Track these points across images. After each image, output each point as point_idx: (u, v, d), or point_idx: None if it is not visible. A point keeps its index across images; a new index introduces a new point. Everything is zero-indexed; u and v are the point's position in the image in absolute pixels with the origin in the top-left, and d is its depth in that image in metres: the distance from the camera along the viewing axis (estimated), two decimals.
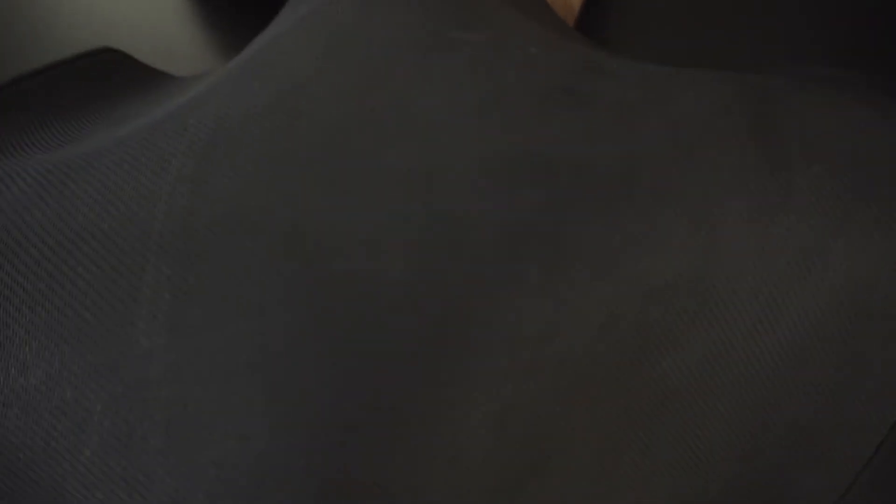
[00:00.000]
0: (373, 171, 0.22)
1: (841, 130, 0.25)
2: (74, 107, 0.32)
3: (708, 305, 0.23)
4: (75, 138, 0.28)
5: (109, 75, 0.35)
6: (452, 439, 0.21)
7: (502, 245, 0.22)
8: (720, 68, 0.28)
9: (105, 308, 0.21)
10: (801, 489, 0.25)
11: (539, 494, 0.22)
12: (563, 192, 0.22)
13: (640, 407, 0.23)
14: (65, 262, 0.22)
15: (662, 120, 0.24)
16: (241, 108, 0.24)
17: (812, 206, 0.24)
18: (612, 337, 0.22)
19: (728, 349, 0.23)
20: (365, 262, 0.21)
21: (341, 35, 0.26)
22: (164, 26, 0.49)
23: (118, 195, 0.23)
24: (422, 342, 0.21)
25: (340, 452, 0.20)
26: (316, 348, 0.20)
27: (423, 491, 0.20)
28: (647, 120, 0.24)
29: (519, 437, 0.22)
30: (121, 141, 0.25)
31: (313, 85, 0.24)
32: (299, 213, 0.22)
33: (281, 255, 0.21)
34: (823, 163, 0.24)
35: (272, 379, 0.20)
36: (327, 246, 0.21)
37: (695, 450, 0.24)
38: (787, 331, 0.24)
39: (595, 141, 0.23)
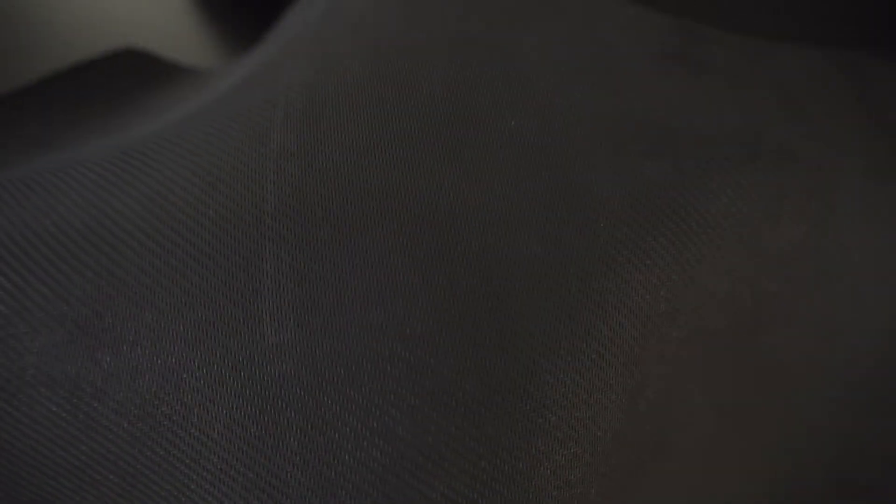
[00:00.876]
0: (494, 141, 0.21)
1: None
2: (108, 103, 0.30)
3: (824, 274, 0.23)
4: (123, 126, 0.26)
5: (136, 74, 0.34)
6: (588, 420, 0.20)
7: (632, 220, 0.21)
8: None
9: (223, 303, 0.20)
10: None
11: (657, 479, 0.22)
12: (688, 162, 0.21)
13: (750, 384, 0.23)
14: (170, 255, 0.20)
15: (774, 86, 0.23)
16: (332, 75, 0.22)
17: None
18: (733, 311, 0.22)
19: (842, 321, 0.23)
20: (500, 243, 0.20)
21: None
22: (167, 23, 0.47)
23: (217, 176, 0.21)
24: (559, 323, 0.20)
25: (484, 443, 0.19)
26: (458, 334, 0.19)
27: (563, 469, 0.20)
28: (759, 86, 0.23)
29: (647, 418, 0.21)
30: (192, 117, 0.23)
31: (408, 45, 0.23)
32: (426, 187, 0.21)
33: (413, 233, 0.20)
34: None
35: (416, 369, 0.19)
36: (461, 223, 0.20)
37: (798, 432, 0.24)
38: (885, 317, 0.24)
39: (714, 109, 0.22)
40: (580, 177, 0.21)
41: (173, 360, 0.19)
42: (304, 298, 0.20)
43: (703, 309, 0.22)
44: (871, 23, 0.27)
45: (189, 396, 0.19)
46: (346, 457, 0.19)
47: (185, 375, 0.19)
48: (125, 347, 0.19)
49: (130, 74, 0.34)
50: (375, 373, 0.19)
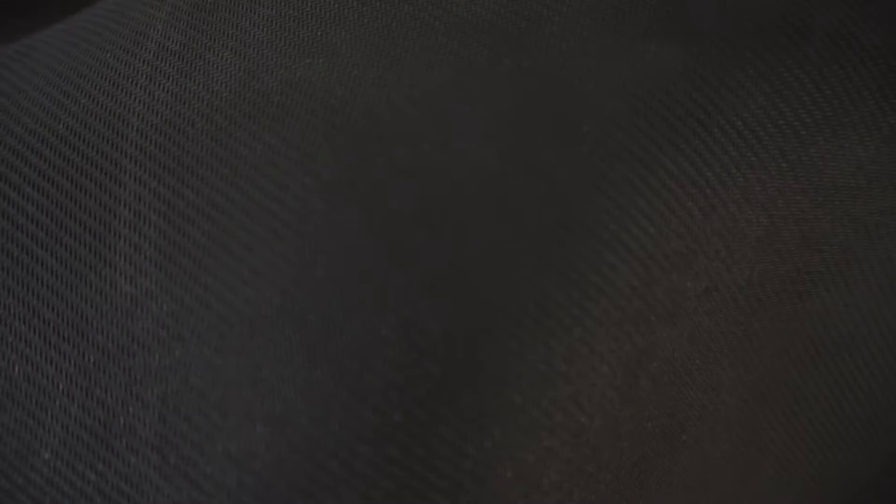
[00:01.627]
0: (431, 24, 0.16)
1: None
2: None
3: (888, 225, 0.17)
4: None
5: None
6: (567, 402, 0.15)
7: (628, 123, 0.15)
8: None
9: (65, 240, 0.15)
10: None
11: (667, 483, 0.17)
12: (711, 45, 0.16)
13: (795, 354, 0.17)
14: (6, 179, 0.15)
15: None
16: None
17: None
18: (773, 258, 0.16)
19: None
20: (438, 152, 0.15)
21: None
22: None
23: (76, 83, 0.16)
24: (528, 262, 0.14)
25: (414, 435, 0.14)
26: (378, 281, 0.14)
27: (532, 471, 0.14)
28: None
29: (651, 399, 0.16)
30: (77, 19, 0.18)
31: None
32: (342, 80, 0.15)
33: (317, 150, 0.15)
34: None
35: (320, 331, 0.14)
36: (385, 125, 0.15)
37: (851, 413, 0.18)
38: None
39: None
40: (558, 64, 0.15)
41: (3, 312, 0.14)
42: (169, 234, 0.15)
43: (731, 251, 0.16)
44: None
45: (17, 368, 0.14)
46: (218, 448, 0.14)
47: (10, 338, 0.14)
48: None
49: None
50: (262, 335, 0.14)
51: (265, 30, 0.16)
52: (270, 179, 0.15)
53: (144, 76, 0.16)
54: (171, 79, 0.16)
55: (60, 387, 0.14)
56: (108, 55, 0.17)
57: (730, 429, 0.17)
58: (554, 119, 0.15)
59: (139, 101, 0.16)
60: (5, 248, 0.15)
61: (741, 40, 0.16)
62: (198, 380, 0.14)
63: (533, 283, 0.14)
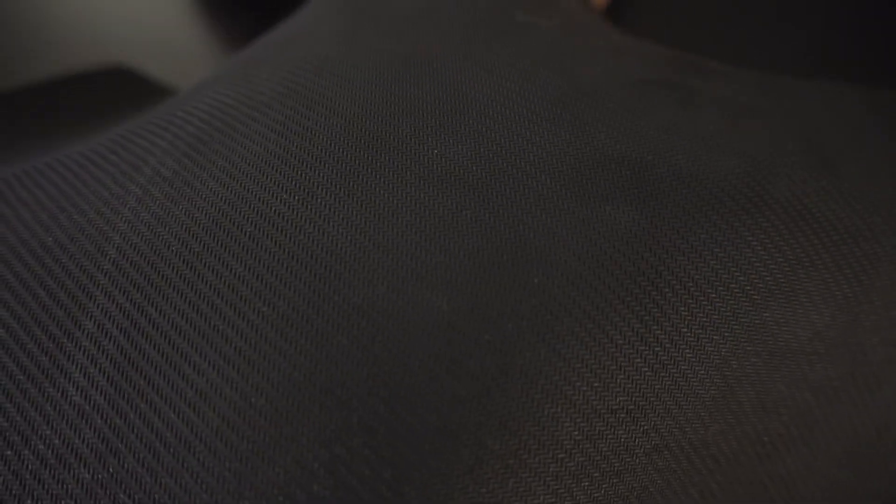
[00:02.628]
0: (405, 174, 0.17)
1: None
2: (68, 125, 0.28)
3: (853, 377, 0.17)
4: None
5: (116, 94, 0.32)
6: None
7: (578, 279, 0.15)
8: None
9: (29, 347, 0.15)
10: None
11: None
12: (665, 210, 0.16)
13: None
14: None
15: (788, 126, 0.18)
16: (242, 94, 0.19)
17: None
18: (727, 415, 0.16)
19: (875, 449, 0.17)
20: (391, 295, 0.15)
21: (374, 11, 0.21)
22: (167, 24, 0.46)
23: (73, 202, 0.17)
24: (466, 408, 0.14)
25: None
26: (318, 419, 0.14)
27: None
28: (769, 124, 0.18)
29: None
30: (90, 145, 0.19)
31: (336, 68, 0.19)
32: (306, 225, 0.16)
33: (278, 282, 0.15)
34: None
35: (249, 458, 0.14)
36: (341, 271, 0.15)
37: None
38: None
39: (707, 146, 0.17)
40: (516, 219, 0.16)
41: None
42: (127, 350, 0.15)
43: (683, 410, 0.16)
44: None
45: None
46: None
47: None
48: None
49: (112, 92, 0.32)
50: (194, 458, 0.14)
51: (251, 164, 0.17)
52: (230, 306, 0.15)
53: (134, 198, 0.17)
54: (157, 202, 0.17)
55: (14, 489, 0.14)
56: (108, 177, 0.18)
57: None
58: (507, 270, 0.15)
59: (125, 221, 0.17)
60: None
61: (696, 206, 0.16)
62: (126, 498, 0.14)
63: (469, 431, 0.15)
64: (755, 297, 0.16)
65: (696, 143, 0.17)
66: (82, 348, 0.15)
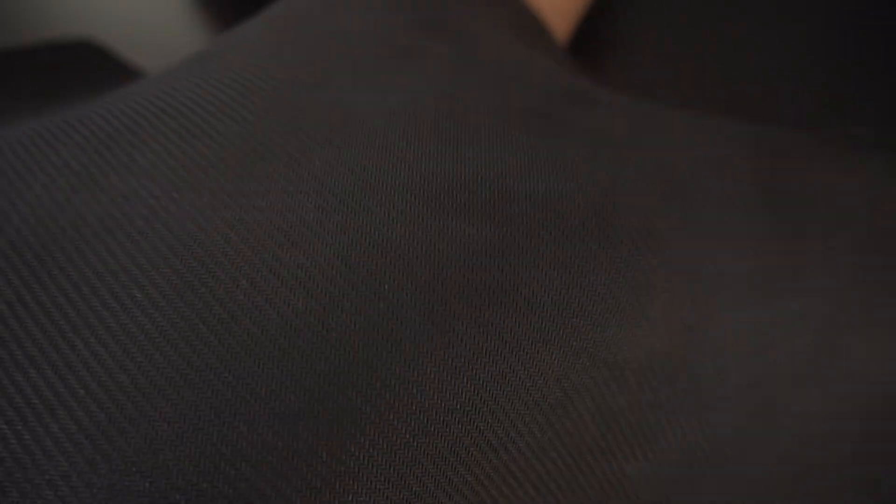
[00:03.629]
0: (286, 179, 0.18)
1: (869, 198, 0.21)
2: (29, 102, 0.28)
3: (689, 395, 0.18)
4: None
5: (82, 71, 0.32)
6: None
7: (426, 288, 0.17)
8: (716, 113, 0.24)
9: None
10: None
11: None
12: (516, 229, 0.17)
13: None
14: None
15: (651, 159, 0.19)
16: (162, 98, 0.20)
17: (828, 288, 0.19)
18: (566, 423, 0.17)
19: (708, 457, 0.18)
20: (252, 291, 0.16)
21: (292, 27, 0.23)
22: (167, 24, 0.47)
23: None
24: (309, 396, 0.16)
25: None
26: (169, 404, 0.16)
27: None
28: (632, 156, 0.19)
29: None
30: (19, 133, 0.20)
31: (246, 79, 0.21)
32: (188, 224, 0.17)
33: (155, 274, 0.17)
34: (845, 235, 0.20)
35: (119, 433, 0.15)
36: (212, 267, 0.17)
37: None
38: (787, 438, 0.19)
39: (561, 172, 0.18)
40: (373, 230, 0.17)
41: None
42: (10, 322, 0.16)
43: (523, 415, 0.17)
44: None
45: None
46: None
47: None
48: None
49: (78, 66, 0.32)
50: (63, 428, 0.15)
51: (150, 163, 0.19)
52: (109, 291, 0.17)
53: (40, 185, 0.18)
54: (60, 191, 0.18)
55: None
56: (18, 162, 0.19)
57: None
58: (361, 276, 0.17)
59: (26, 204, 0.18)
60: None
61: (545, 228, 0.18)
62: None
63: (309, 419, 0.16)
64: (595, 316, 0.17)
65: (556, 170, 0.18)
66: None
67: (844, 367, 0.19)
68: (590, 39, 0.42)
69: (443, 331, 0.16)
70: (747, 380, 0.18)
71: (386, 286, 0.16)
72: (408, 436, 0.16)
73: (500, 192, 0.18)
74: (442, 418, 0.16)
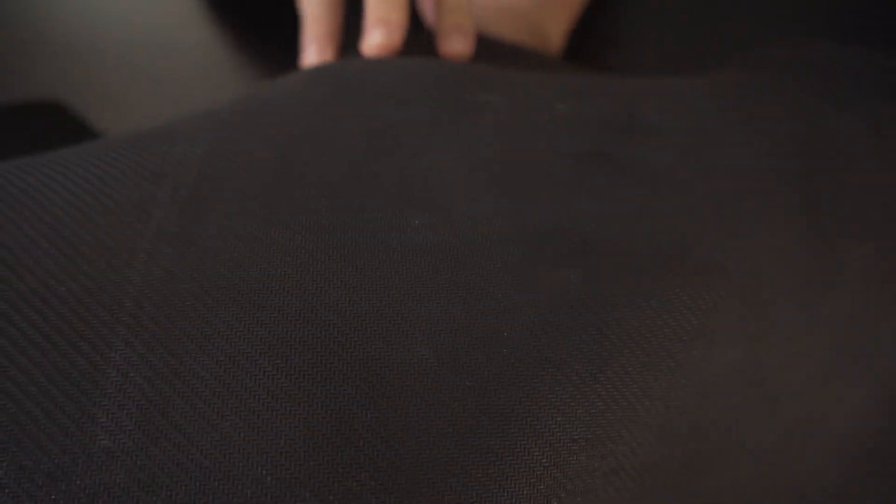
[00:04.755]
0: (393, 242, 0.19)
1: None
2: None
3: (767, 399, 0.20)
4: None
5: (51, 132, 0.33)
6: None
7: (539, 331, 0.18)
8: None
9: (57, 396, 0.17)
10: None
11: None
12: (603, 272, 0.19)
13: None
14: (4, 333, 0.17)
15: (706, 191, 0.21)
16: (229, 152, 0.21)
17: (861, 287, 0.22)
18: (669, 442, 0.19)
19: (795, 448, 0.21)
20: (387, 349, 0.17)
21: (347, 85, 0.23)
22: (173, 25, 0.46)
23: (79, 249, 0.19)
24: (453, 443, 0.17)
25: None
26: (333, 453, 0.17)
27: None
28: (688, 191, 0.21)
29: None
30: (74, 170, 0.20)
31: (314, 138, 0.21)
32: (313, 283, 0.18)
33: (291, 334, 0.17)
34: (874, 241, 0.22)
35: (277, 496, 0.16)
36: (346, 326, 0.18)
37: None
38: (839, 425, 0.21)
39: (634, 215, 0.20)
40: (483, 281, 0.19)
41: None
42: (151, 396, 0.17)
43: (634, 436, 0.19)
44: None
45: None
46: None
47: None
48: None
49: (47, 127, 0.33)
50: (223, 494, 0.16)
51: (252, 226, 0.19)
52: (246, 357, 0.17)
53: (144, 253, 0.19)
54: (167, 258, 0.18)
55: None
56: (112, 227, 0.19)
57: None
58: (480, 325, 0.18)
59: (138, 275, 0.18)
60: (7, 405, 0.16)
61: (631, 268, 0.20)
62: None
63: (456, 463, 0.17)
64: (684, 337, 0.19)
65: (627, 215, 0.20)
66: (108, 395, 0.17)
67: (867, 366, 0.22)
68: (590, 39, 0.42)
69: (560, 368, 0.18)
70: (804, 376, 0.21)
71: (504, 333, 0.18)
72: (540, 470, 0.17)
73: (583, 240, 0.19)
74: (569, 448, 0.18)
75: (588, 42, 0.42)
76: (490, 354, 0.18)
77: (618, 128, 0.23)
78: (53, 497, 0.16)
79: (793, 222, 0.22)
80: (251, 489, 0.16)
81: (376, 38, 0.26)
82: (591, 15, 0.43)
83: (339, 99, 0.23)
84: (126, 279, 0.18)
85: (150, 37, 0.45)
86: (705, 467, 0.19)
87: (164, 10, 0.46)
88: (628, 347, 0.19)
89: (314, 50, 0.29)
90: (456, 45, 0.28)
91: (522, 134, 0.22)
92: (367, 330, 0.18)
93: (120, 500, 0.16)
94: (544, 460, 0.17)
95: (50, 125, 0.34)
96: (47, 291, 0.18)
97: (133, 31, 0.45)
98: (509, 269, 0.19)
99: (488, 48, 0.30)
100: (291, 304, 0.18)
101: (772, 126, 0.24)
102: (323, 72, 0.24)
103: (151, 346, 0.17)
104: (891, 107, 0.25)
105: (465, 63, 0.26)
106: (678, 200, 0.21)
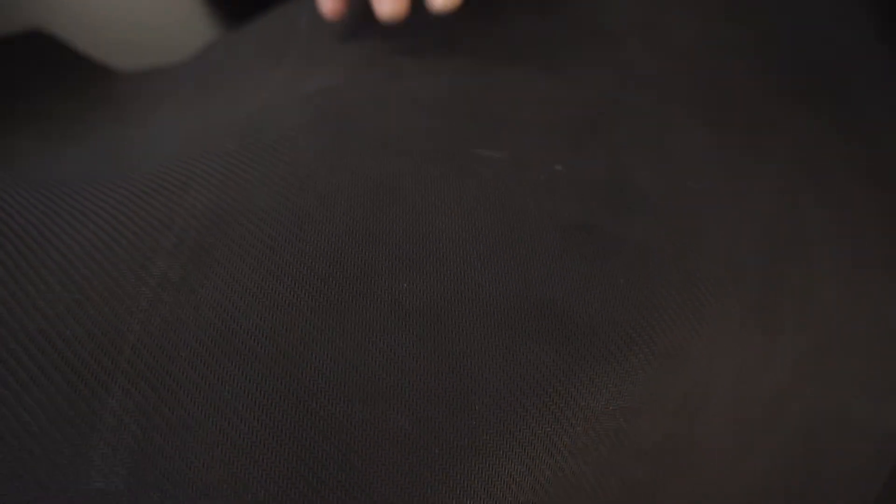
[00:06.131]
0: (384, 302, 0.20)
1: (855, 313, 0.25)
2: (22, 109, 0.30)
3: (694, 462, 0.22)
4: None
5: (38, 63, 0.33)
6: None
7: (509, 405, 0.20)
8: None
9: (57, 437, 0.18)
10: None
11: None
12: (573, 353, 0.20)
13: None
14: (14, 373, 0.19)
15: (679, 281, 0.22)
16: (237, 202, 0.22)
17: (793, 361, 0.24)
18: (600, 499, 0.20)
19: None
20: (365, 412, 0.19)
21: (352, 129, 0.24)
22: (176, 26, 0.47)
23: (86, 293, 0.20)
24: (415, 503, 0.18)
25: None
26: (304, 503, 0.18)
27: None
28: (664, 280, 0.22)
29: None
30: (86, 214, 0.21)
31: (321, 187, 0.22)
32: (300, 341, 0.19)
33: (275, 390, 0.19)
34: (812, 331, 0.25)
35: None
36: (327, 387, 0.19)
37: None
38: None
39: (611, 300, 0.21)
40: (463, 353, 0.20)
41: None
42: (143, 443, 0.18)
43: (570, 499, 0.20)
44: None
45: None
46: None
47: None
48: None
49: (30, 68, 0.33)
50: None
51: (250, 278, 0.20)
52: (232, 409, 0.18)
53: (146, 301, 0.20)
54: (167, 307, 0.20)
55: None
56: (117, 273, 0.20)
57: None
58: (455, 397, 0.19)
59: (138, 322, 0.19)
60: (2, 435, 0.18)
61: (600, 350, 0.21)
62: None
63: None
64: (635, 418, 0.21)
65: (604, 295, 0.21)
66: (103, 439, 0.18)
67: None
68: None
69: (521, 441, 0.19)
70: (733, 443, 0.23)
71: (476, 406, 0.19)
72: None
73: (561, 317, 0.21)
74: None
75: None
76: (459, 426, 0.19)
77: (606, 197, 0.23)
78: None
79: (743, 317, 0.23)
80: None
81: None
82: None
83: (337, 146, 0.23)
84: (127, 326, 0.19)
85: (156, 39, 0.45)
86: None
87: (171, 12, 0.47)
88: (581, 425, 0.20)
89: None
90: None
91: (519, 197, 0.23)
92: (346, 391, 0.19)
93: None
94: None
95: (34, 55, 0.34)
96: (55, 333, 0.19)
97: (139, 35, 0.45)
98: (487, 343, 0.20)
99: None
100: (277, 359, 0.19)
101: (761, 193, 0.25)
102: (321, 109, 0.25)
103: (145, 392, 0.18)
104: None
105: (471, 98, 0.26)
106: (652, 288, 0.22)
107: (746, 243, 0.24)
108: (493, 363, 0.20)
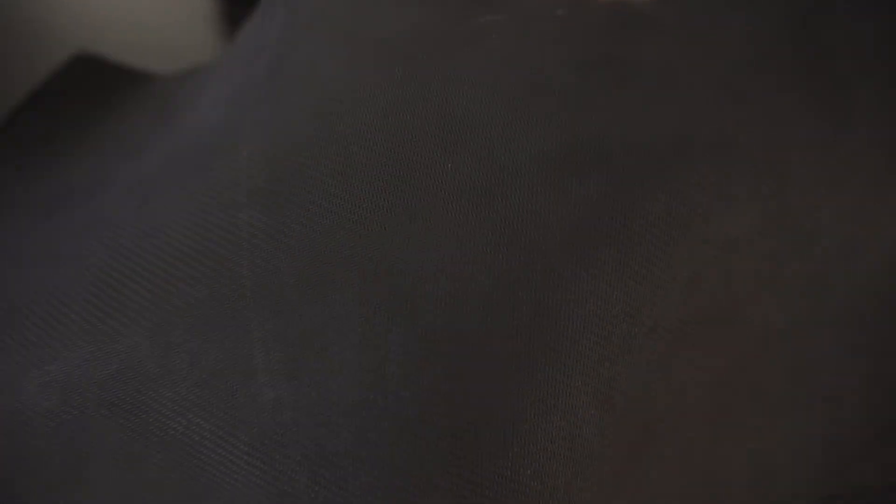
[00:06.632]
0: (436, 190, 0.23)
1: None
2: (68, 131, 0.33)
3: (796, 242, 0.23)
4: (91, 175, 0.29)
5: (88, 88, 0.35)
6: (566, 423, 0.22)
7: (574, 239, 0.22)
8: None
9: (222, 368, 0.23)
10: None
11: (655, 460, 0.23)
12: (622, 175, 0.22)
13: (744, 354, 0.24)
14: (176, 328, 0.23)
15: (709, 74, 0.23)
16: (284, 142, 0.24)
17: (877, 117, 0.24)
18: (699, 296, 0.23)
19: (824, 280, 0.24)
20: (451, 284, 0.22)
21: (359, 38, 0.25)
22: (177, 27, 0.48)
23: (196, 258, 0.24)
24: (518, 346, 0.22)
25: (464, 472, 0.21)
26: (426, 374, 0.21)
27: (548, 474, 0.22)
28: (694, 80, 0.23)
29: (627, 408, 0.23)
30: (160, 189, 0.25)
31: (350, 102, 0.24)
32: (379, 247, 0.22)
33: (373, 290, 0.22)
34: (883, 74, 0.24)
35: (389, 409, 0.21)
36: (413, 277, 0.22)
37: (809, 385, 0.25)
38: (874, 259, 0.24)
39: (645, 115, 0.23)
40: (520, 205, 0.22)
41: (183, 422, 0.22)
42: (290, 356, 0.22)
43: (663, 300, 0.22)
44: None
45: (202, 456, 0.22)
46: (352, 485, 0.21)
47: (196, 437, 0.22)
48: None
49: (82, 94, 0.35)
50: (358, 412, 0.21)
51: (320, 206, 0.23)
52: (344, 311, 0.22)
53: (247, 251, 0.23)
54: (264, 250, 0.23)
55: (244, 451, 0.22)
56: (216, 235, 0.24)
57: (701, 417, 0.24)
58: (523, 243, 0.22)
59: (248, 270, 0.23)
60: (192, 376, 0.23)
61: (646, 161, 0.23)
62: (330, 447, 0.21)
63: (524, 354, 0.21)
64: (699, 212, 0.23)
65: (637, 113, 0.23)
66: (260, 360, 0.22)
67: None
68: None
69: (593, 261, 0.22)
70: (835, 214, 0.23)
71: (544, 246, 0.22)
72: (590, 345, 0.21)
73: (600, 147, 0.22)
74: (611, 321, 0.22)
75: None
76: (534, 269, 0.22)
77: (616, 25, 0.24)
78: (249, 437, 0.22)
79: (797, 77, 0.23)
80: (375, 408, 0.22)
81: None
82: None
83: (352, 55, 0.25)
84: (240, 276, 0.23)
85: (158, 40, 0.46)
86: (740, 308, 0.23)
87: (173, 13, 0.47)
88: (649, 232, 0.22)
89: None
90: None
91: (528, 49, 0.24)
92: (434, 275, 0.22)
93: (296, 431, 0.22)
94: (592, 336, 0.22)
95: (83, 77, 0.36)
96: (193, 298, 0.24)
97: (140, 36, 0.46)
98: (540, 191, 0.22)
99: None
100: (366, 267, 0.22)
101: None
102: (321, 28, 0.26)
103: (275, 322, 0.22)
104: None
105: None
106: (683, 89, 0.23)
107: (766, 23, 0.24)
108: (548, 206, 0.22)
